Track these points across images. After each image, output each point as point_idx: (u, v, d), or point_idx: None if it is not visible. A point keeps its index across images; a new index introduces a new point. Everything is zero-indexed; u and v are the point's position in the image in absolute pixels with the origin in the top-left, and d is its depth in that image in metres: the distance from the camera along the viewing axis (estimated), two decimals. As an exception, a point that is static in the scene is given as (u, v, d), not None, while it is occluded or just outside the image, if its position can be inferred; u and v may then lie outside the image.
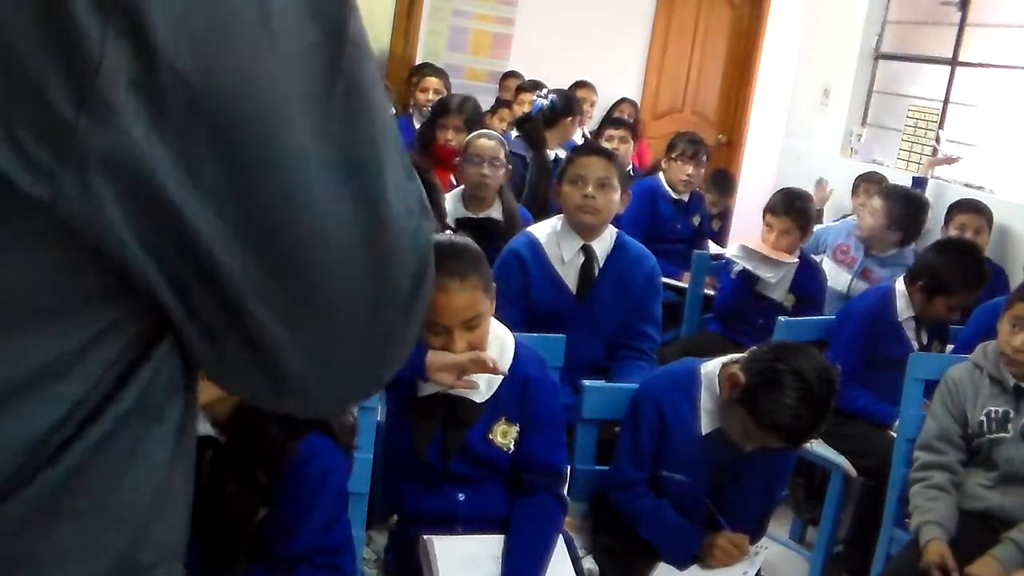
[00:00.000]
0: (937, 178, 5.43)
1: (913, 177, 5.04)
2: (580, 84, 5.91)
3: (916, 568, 2.42)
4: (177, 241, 0.53)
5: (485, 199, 3.51)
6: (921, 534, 2.47)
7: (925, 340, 3.21)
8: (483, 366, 1.94)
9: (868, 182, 4.81)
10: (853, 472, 3.02)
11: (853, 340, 3.08)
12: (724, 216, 5.31)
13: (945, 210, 4.26)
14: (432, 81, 5.34)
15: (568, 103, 4.58)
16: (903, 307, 3.20)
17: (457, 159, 3.62)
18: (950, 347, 3.33)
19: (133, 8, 0.48)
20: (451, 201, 3.48)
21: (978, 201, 4.18)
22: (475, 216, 3.48)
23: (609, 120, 5.38)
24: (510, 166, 3.60)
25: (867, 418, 3.06)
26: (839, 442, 3.05)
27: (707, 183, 5.04)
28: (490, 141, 3.54)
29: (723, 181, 5.28)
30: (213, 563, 1.56)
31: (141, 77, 0.49)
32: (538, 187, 4.20)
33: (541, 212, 3.72)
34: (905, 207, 4.02)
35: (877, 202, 4.06)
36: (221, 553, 1.57)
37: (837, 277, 4.07)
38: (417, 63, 6.24)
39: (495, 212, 3.52)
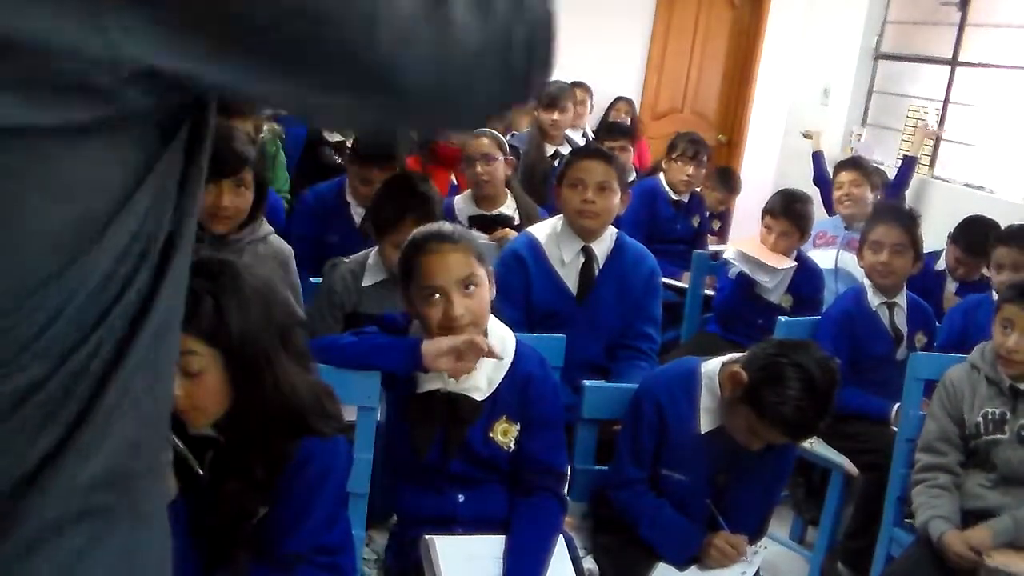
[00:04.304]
0: (938, 178, 5.43)
1: (904, 156, 5.15)
2: (575, 84, 5.90)
3: (921, 568, 2.44)
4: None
5: (492, 196, 3.54)
6: (930, 529, 2.50)
7: (904, 329, 3.23)
8: (479, 350, 1.94)
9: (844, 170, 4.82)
10: (854, 471, 3.03)
11: (836, 341, 3.08)
12: (724, 216, 5.31)
13: (950, 212, 4.25)
14: None
15: None
16: (872, 296, 3.24)
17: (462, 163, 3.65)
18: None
19: None
20: (463, 201, 3.52)
21: (987, 230, 3.92)
22: (488, 213, 3.50)
23: (607, 129, 5.35)
24: (511, 158, 3.62)
25: (863, 415, 3.06)
26: (838, 441, 3.06)
27: (712, 181, 5.04)
28: (481, 139, 3.55)
29: (728, 179, 5.28)
30: (214, 562, 1.57)
31: None
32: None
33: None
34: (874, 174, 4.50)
35: (849, 175, 4.37)
36: (222, 552, 1.58)
37: (822, 257, 4.13)
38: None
39: (508, 209, 3.54)
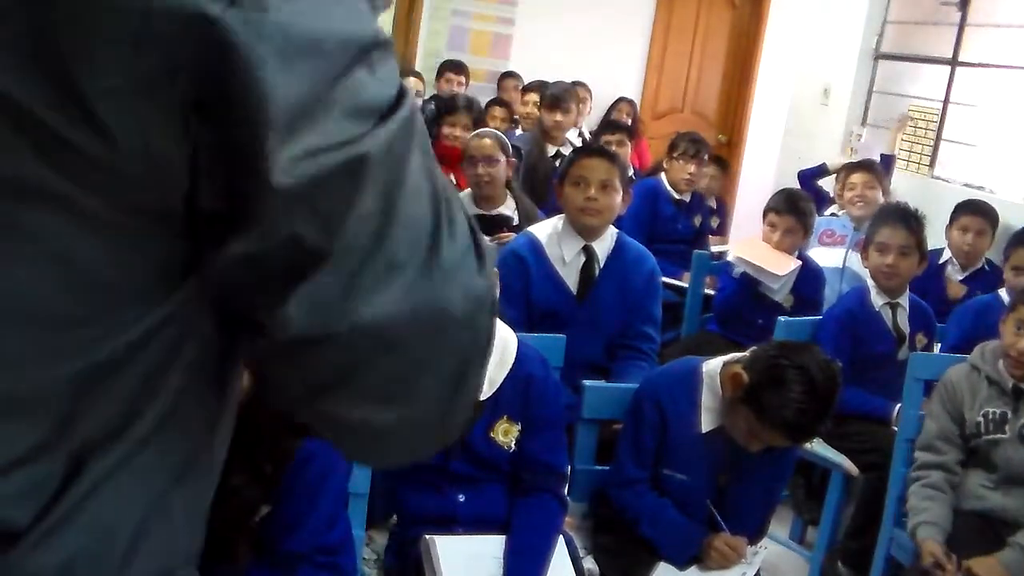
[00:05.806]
0: (938, 178, 5.43)
1: (881, 155, 5.17)
2: (574, 84, 5.90)
3: None
4: None
5: (491, 196, 3.54)
6: (917, 534, 2.51)
7: (907, 329, 3.22)
8: None
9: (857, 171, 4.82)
10: (855, 471, 3.02)
11: (838, 340, 3.08)
12: (722, 211, 5.31)
13: (950, 212, 4.25)
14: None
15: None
16: (876, 297, 3.24)
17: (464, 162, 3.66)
18: (938, 345, 3.34)
19: None
20: (463, 201, 3.53)
21: (983, 203, 4.17)
22: (487, 213, 3.51)
23: (604, 125, 5.37)
24: (512, 159, 3.62)
25: (864, 415, 3.06)
26: (839, 441, 3.05)
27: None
28: (484, 140, 3.56)
29: (719, 160, 5.27)
30: (214, 560, 1.56)
31: None
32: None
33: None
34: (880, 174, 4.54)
35: (862, 176, 4.39)
36: (222, 549, 1.57)
37: (828, 256, 4.12)
38: (417, 63, 6.26)
39: (507, 209, 3.54)
